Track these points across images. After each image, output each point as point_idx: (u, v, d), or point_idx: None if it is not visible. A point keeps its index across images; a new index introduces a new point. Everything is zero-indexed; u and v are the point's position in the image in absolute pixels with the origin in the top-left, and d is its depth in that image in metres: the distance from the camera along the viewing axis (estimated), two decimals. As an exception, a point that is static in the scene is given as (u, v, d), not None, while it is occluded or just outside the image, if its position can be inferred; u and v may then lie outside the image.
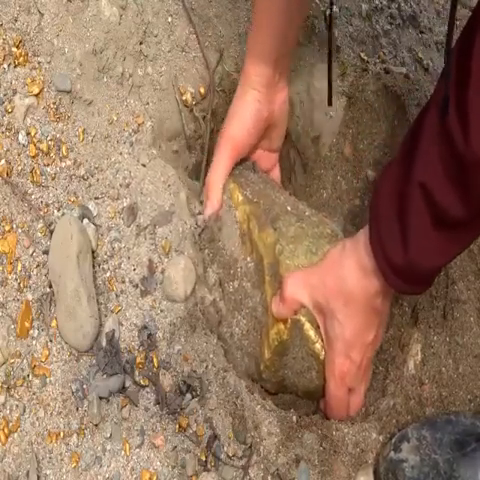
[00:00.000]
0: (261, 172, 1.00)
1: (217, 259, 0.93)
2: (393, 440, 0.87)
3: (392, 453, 0.86)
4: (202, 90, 1.05)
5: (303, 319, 0.85)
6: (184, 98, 1.03)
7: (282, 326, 0.86)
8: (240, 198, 0.94)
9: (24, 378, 0.84)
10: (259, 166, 1.01)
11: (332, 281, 0.82)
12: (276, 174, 1.05)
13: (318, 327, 0.85)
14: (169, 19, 1.02)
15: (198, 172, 1.07)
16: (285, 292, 0.85)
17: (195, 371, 0.89)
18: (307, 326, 0.85)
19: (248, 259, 0.92)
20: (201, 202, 0.96)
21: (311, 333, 0.85)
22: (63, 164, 0.92)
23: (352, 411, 0.92)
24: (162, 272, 0.91)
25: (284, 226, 0.89)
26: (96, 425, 0.85)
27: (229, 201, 0.94)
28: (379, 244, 0.76)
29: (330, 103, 1.00)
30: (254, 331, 0.91)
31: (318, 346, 0.85)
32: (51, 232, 0.88)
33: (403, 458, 0.85)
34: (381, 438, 0.90)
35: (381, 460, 0.87)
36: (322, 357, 0.86)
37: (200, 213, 0.95)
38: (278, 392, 0.94)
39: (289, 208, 0.92)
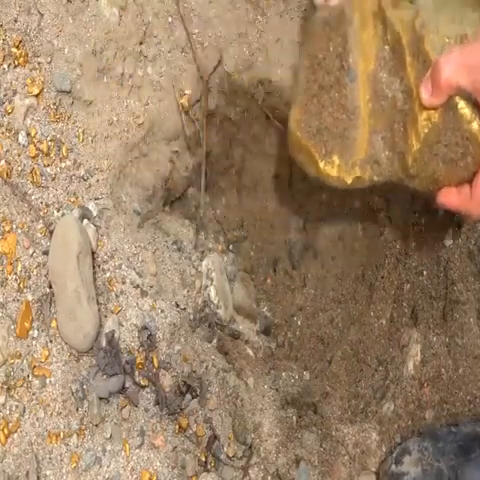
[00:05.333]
0: None
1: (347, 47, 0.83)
2: (394, 454, 0.86)
3: (393, 466, 0.85)
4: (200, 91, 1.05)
5: (457, 98, 0.76)
6: (182, 100, 1.02)
7: (432, 110, 0.78)
8: None
9: (24, 379, 0.84)
10: None
11: None
12: None
13: (475, 105, 0.76)
14: (169, 19, 1.02)
15: (198, 172, 1.07)
16: (439, 75, 0.75)
17: (195, 371, 0.89)
18: (462, 104, 0.77)
19: (381, 43, 0.82)
20: None
21: (466, 111, 0.77)
22: (63, 164, 0.92)
23: None
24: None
25: None
26: (96, 425, 0.85)
27: None
28: None
29: None
30: (396, 124, 0.83)
31: (475, 126, 0.77)
32: (51, 233, 0.88)
33: (404, 471, 0.85)
34: (383, 446, 0.90)
35: (382, 474, 0.87)
36: None
37: None
38: (428, 188, 0.84)
39: None
